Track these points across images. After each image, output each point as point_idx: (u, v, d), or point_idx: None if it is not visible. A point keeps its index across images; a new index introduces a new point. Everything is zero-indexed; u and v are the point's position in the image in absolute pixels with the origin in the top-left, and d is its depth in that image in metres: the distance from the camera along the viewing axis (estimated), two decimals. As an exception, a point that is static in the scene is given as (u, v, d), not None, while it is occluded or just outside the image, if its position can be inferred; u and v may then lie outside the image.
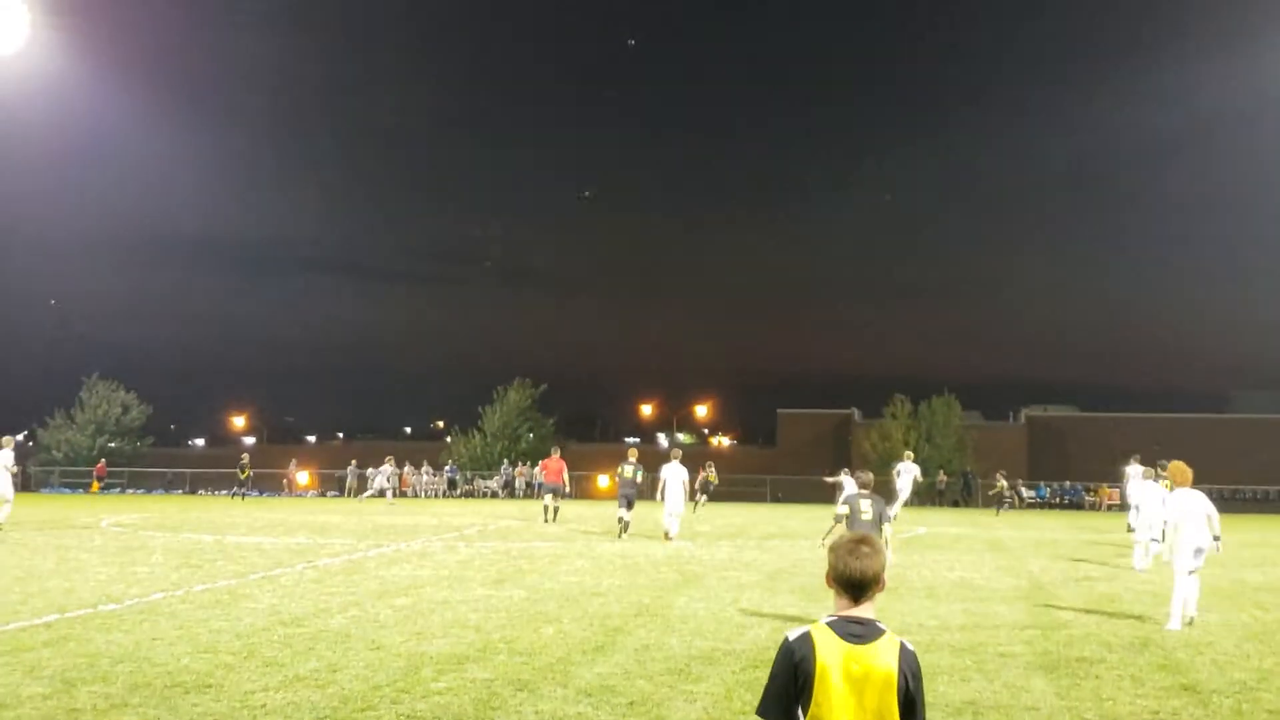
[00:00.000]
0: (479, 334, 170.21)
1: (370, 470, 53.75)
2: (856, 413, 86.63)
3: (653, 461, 34.81)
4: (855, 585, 4.42)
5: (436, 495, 58.62)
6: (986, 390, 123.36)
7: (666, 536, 24.99)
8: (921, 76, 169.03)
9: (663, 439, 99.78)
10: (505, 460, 62.10)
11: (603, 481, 73.96)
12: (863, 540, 4.51)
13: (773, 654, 10.23)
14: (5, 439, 25.17)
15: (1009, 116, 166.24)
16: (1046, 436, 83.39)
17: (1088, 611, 14.08)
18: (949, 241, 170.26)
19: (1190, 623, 12.82)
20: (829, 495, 63.40)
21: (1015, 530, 33.40)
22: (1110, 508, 62.68)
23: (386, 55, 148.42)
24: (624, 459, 27.94)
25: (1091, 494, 65.06)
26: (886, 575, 4.50)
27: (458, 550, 21.63)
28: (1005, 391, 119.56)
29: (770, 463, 79.09)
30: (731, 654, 10.54)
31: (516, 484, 59.28)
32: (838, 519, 14.44)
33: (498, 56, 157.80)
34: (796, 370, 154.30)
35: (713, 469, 44.26)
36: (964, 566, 20.19)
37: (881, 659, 4.28)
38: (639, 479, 27.91)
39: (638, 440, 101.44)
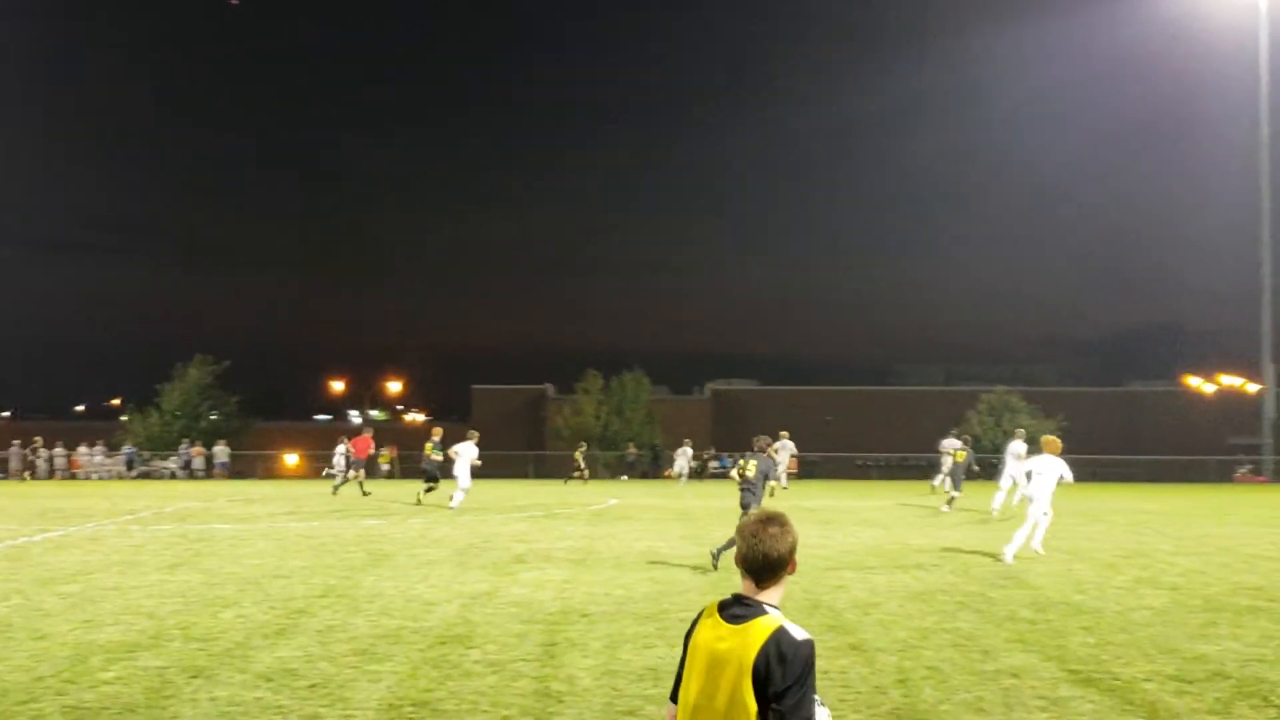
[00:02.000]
0: (159, 309, 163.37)
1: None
2: (550, 388, 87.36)
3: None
4: (754, 568, 4.35)
5: (112, 477, 55.85)
6: (675, 365, 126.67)
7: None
8: (609, 70, 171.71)
9: (354, 416, 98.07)
10: (185, 440, 59.62)
11: (291, 460, 72.19)
12: (770, 520, 4.41)
13: (459, 631, 10.19)
14: None
15: (690, 105, 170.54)
16: (730, 409, 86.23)
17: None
18: (639, 220, 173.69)
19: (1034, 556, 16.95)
20: (521, 471, 63.86)
21: (702, 500, 34.38)
22: (789, 475, 65.28)
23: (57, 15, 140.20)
24: (428, 437, 31.00)
25: (770, 463, 67.53)
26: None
27: (131, 534, 20.66)
28: (692, 366, 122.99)
29: (463, 438, 78.66)
30: (418, 632, 10.47)
31: (195, 464, 56.99)
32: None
33: (179, 22, 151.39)
34: (491, 346, 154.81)
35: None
36: (651, 537, 20.67)
37: (747, 639, 4.15)
38: (439, 457, 30.29)
39: (330, 417, 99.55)
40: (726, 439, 78.86)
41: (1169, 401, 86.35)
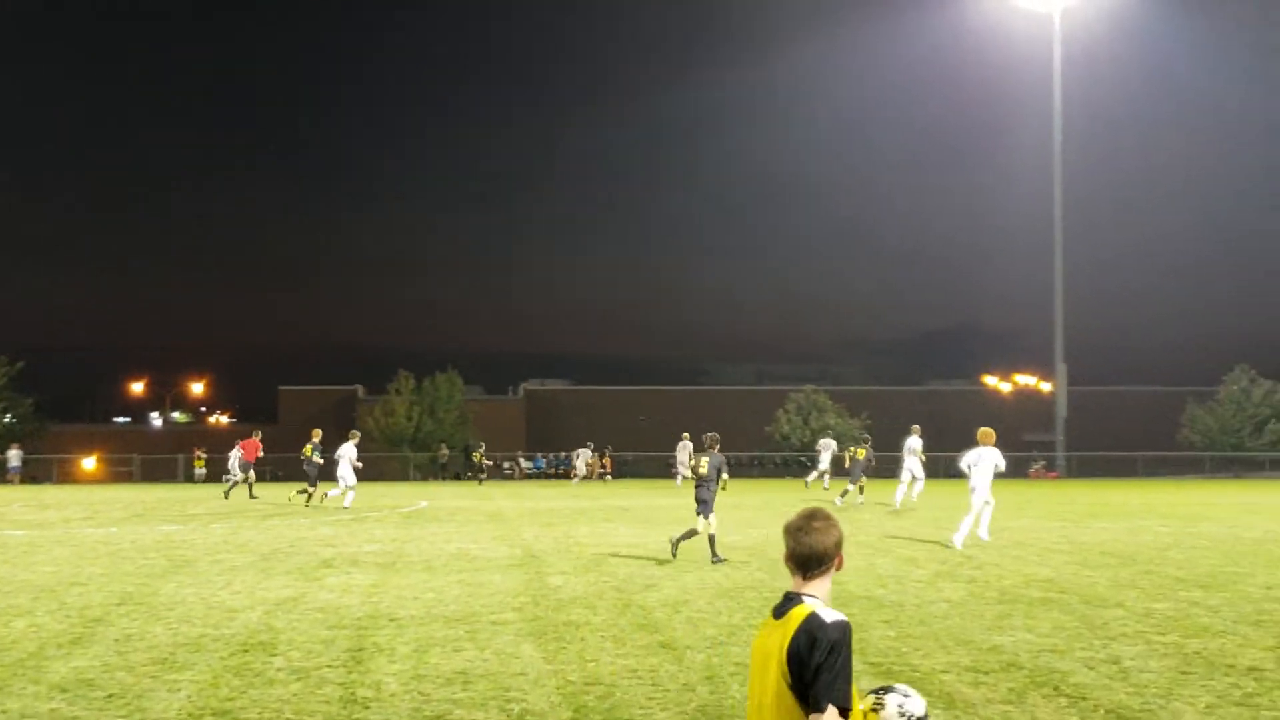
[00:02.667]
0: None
1: None
2: (361, 389, 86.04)
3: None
4: (800, 562, 4.39)
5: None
6: (488, 365, 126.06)
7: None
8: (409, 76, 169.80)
9: (155, 419, 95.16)
10: (-24, 444, 56.92)
11: (88, 464, 69.60)
12: (814, 515, 4.44)
13: (263, 638, 9.95)
14: None
15: (509, 105, 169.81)
16: (544, 409, 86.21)
17: (576, 576, 14.68)
18: (453, 220, 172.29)
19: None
20: (329, 474, 62.63)
21: (513, 501, 34.29)
22: (601, 476, 65.64)
23: None
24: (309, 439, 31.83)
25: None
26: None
27: (-86, 544, 19.66)
28: (506, 367, 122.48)
29: (271, 441, 76.96)
30: (220, 640, 10.18)
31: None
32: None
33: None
34: (299, 346, 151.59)
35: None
36: (462, 538, 20.51)
37: (785, 629, 4.21)
38: (320, 460, 31.13)
39: (129, 420, 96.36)
40: (540, 439, 78.92)
41: (968, 400, 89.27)
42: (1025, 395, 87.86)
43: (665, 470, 68.62)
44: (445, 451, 63.85)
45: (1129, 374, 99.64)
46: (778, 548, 14.69)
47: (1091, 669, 8.82)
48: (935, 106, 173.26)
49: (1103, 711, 7.52)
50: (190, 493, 37.74)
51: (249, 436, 38.34)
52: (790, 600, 4.38)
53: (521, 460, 68.75)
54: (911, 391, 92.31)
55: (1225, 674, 8.59)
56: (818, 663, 4.14)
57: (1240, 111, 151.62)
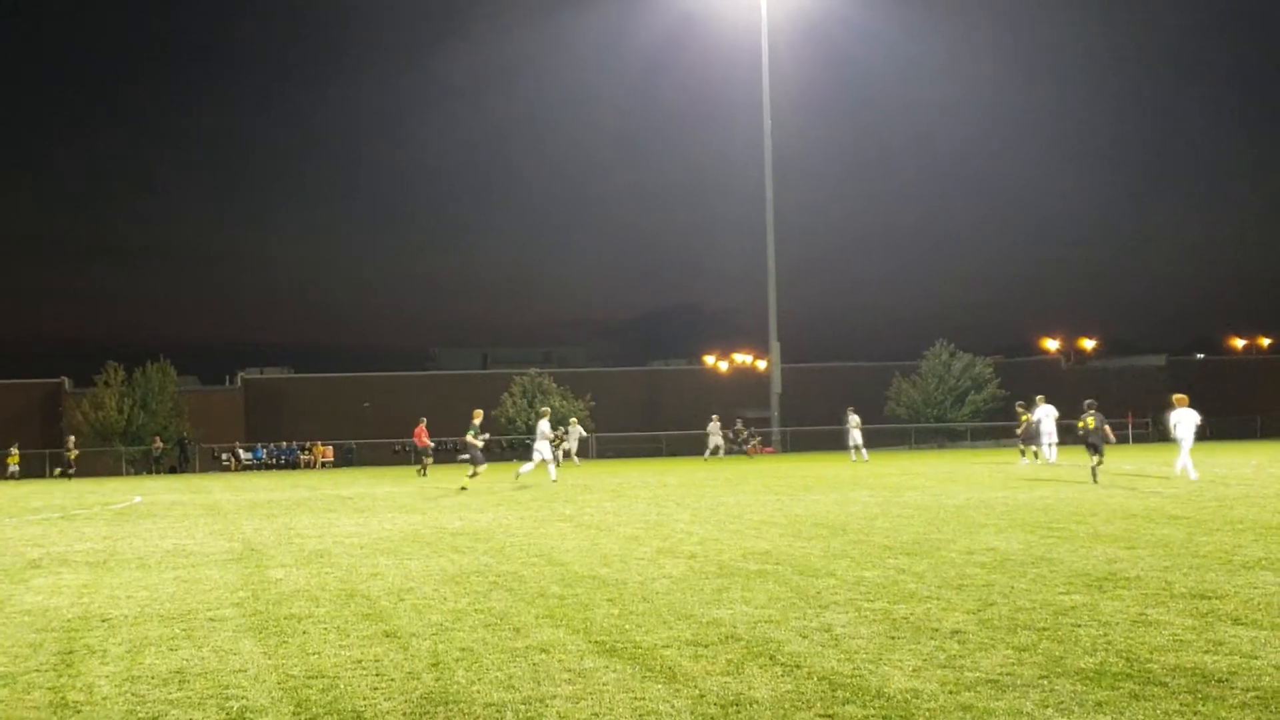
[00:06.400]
0: None
1: None
2: (68, 381, 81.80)
3: None
4: None
5: None
6: (202, 354, 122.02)
7: None
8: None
9: None
10: None
11: None
12: None
13: (43, 633, 9.36)
14: None
15: (215, 85, 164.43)
16: (264, 398, 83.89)
17: (298, 568, 14.40)
18: (160, 204, 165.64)
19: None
20: (38, 470, 59.59)
21: (232, 493, 33.32)
22: (324, 464, 64.43)
23: None
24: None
25: (307, 452, 66.36)
26: None
27: None
28: (222, 355, 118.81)
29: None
30: (-88, 651, 9.58)
31: None
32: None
33: None
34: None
35: None
36: (178, 534, 19.83)
37: None
38: (480, 442, 31.65)
39: None
40: (261, 429, 76.82)
41: (688, 379, 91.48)
42: (742, 373, 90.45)
43: (392, 457, 67.88)
44: (159, 444, 61.52)
45: (840, 351, 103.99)
46: (504, 531, 14.77)
47: (805, 637, 9.20)
48: (654, 90, 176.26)
49: (816, 678, 7.85)
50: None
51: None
52: None
53: (240, 451, 66.85)
54: (634, 372, 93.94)
55: (930, 637, 9.07)
56: None
57: (947, 99, 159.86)
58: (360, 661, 8.73)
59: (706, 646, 8.97)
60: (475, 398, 71.73)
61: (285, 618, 10.72)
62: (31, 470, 59.54)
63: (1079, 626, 9.28)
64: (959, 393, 73.03)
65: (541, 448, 32.46)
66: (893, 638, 9.11)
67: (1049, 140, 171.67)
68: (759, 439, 66.48)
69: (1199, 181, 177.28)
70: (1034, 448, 38.51)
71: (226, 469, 64.10)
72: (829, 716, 6.94)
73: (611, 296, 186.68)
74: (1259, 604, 10.05)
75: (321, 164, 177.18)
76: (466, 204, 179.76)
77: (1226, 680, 7.49)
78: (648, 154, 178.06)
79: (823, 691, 7.49)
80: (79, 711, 7.53)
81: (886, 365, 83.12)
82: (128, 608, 11.59)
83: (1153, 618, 9.55)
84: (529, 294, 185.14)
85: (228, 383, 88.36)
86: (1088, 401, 28.51)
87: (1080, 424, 28.14)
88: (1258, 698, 7.06)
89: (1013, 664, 8.07)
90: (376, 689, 7.89)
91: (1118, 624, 9.34)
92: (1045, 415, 36.82)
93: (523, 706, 7.33)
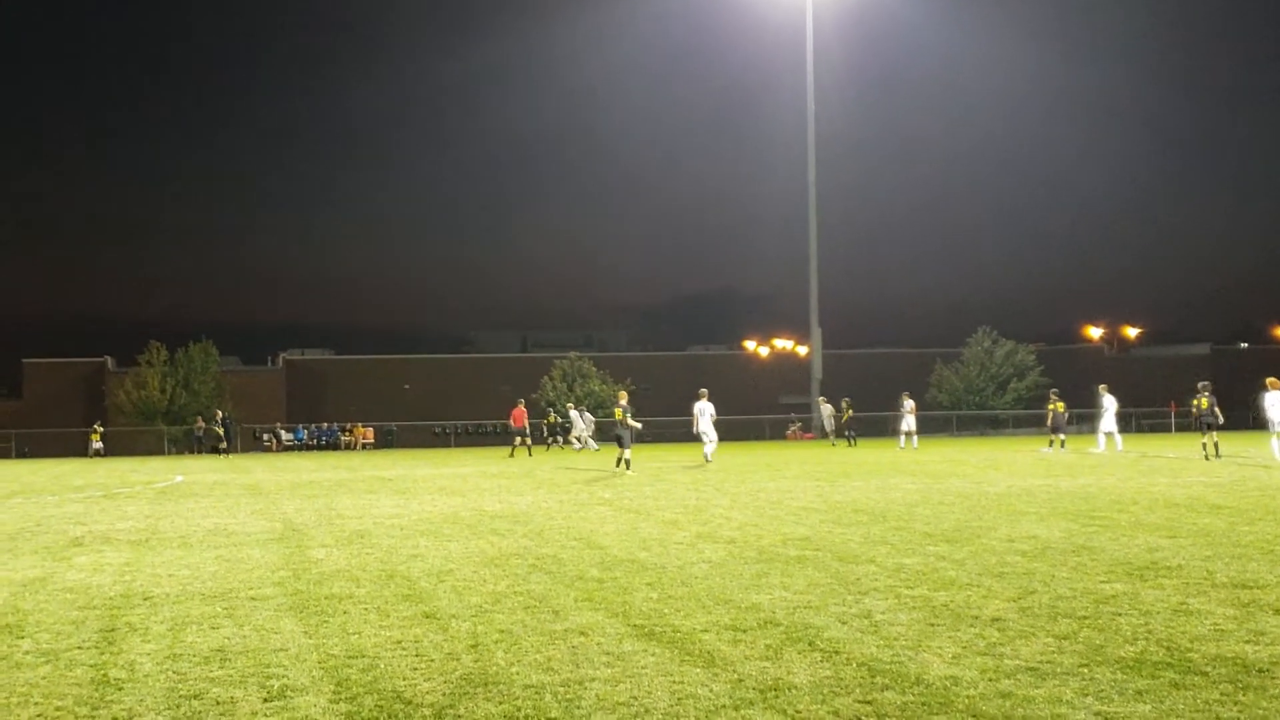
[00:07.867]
0: None
1: None
2: (110, 360, 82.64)
3: None
4: None
5: None
6: (245, 335, 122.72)
7: None
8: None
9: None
10: None
11: None
12: None
13: (9, 620, 9.53)
14: None
15: (256, 70, 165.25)
16: (304, 380, 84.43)
17: (339, 548, 14.49)
18: (205, 184, 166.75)
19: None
20: (80, 449, 60.25)
21: (273, 474, 33.56)
22: (365, 446, 64.77)
23: None
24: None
25: (348, 434, 66.71)
26: None
27: None
28: (264, 336, 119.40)
29: (16, 416, 73.58)
30: (-41, 626, 9.71)
31: None
32: None
33: None
34: (42, 316, 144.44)
35: None
36: (219, 513, 19.99)
37: None
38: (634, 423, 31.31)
39: None
40: (301, 410, 77.29)
41: (728, 363, 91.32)
42: (782, 358, 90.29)
43: (433, 439, 68.22)
44: (201, 424, 62.12)
45: (881, 337, 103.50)
46: (544, 514, 14.84)
47: (844, 623, 9.17)
48: (694, 75, 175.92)
49: (855, 664, 7.82)
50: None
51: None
52: None
53: (281, 431, 67.29)
54: (675, 356, 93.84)
55: (970, 625, 9.02)
56: None
57: (989, 85, 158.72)
58: (400, 642, 8.77)
59: (745, 631, 8.96)
60: (514, 381, 72.14)
61: (326, 598, 10.78)
62: (73, 448, 60.17)
63: (1119, 615, 9.21)
64: (1001, 380, 72.66)
65: (706, 428, 34.06)
66: (932, 625, 9.07)
67: (1093, 125, 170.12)
68: (799, 424, 66.34)
69: (1244, 167, 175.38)
70: (1060, 436, 39.93)
71: (268, 449, 64.54)
72: (868, 703, 6.91)
73: (652, 280, 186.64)
74: (1304, 595, 9.95)
75: (366, 149, 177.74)
76: (508, 188, 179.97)
77: (1267, 670, 7.42)
78: (689, 138, 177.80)
79: (861, 678, 7.47)
80: (121, 689, 7.60)
81: (928, 352, 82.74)
82: (169, 586, 11.69)
83: (1194, 607, 9.48)
84: (569, 277, 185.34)
85: (269, 363, 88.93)
86: (1202, 384, 31.20)
87: (1194, 404, 30.67)
88: (1302, 690, 6.99)
89: (1053, 652, 8.01)
90: (416, 669, 7.93)
91: (1158, 613, 9.27)
92: (1109, 405, 37.60)
93: (561, 689, 7.34)
